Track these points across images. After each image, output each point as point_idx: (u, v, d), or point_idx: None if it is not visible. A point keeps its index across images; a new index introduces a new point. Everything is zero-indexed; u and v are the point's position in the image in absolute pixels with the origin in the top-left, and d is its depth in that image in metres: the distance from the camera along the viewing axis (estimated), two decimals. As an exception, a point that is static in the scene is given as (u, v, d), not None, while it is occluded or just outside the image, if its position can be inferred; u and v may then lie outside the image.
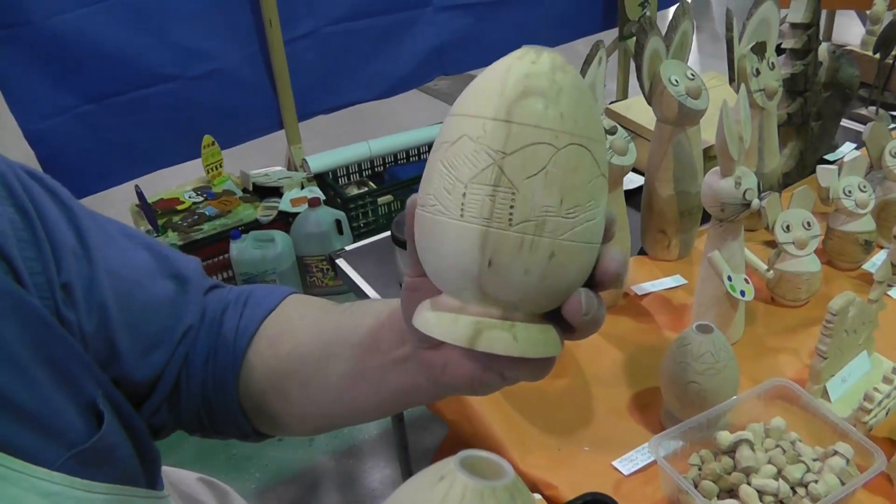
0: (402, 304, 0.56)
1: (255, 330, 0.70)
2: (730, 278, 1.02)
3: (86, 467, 0.57)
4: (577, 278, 0.46)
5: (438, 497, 0.34)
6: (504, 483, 0.34)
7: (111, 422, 0.60)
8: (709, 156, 1.34)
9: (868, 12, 1.88)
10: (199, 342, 0.69)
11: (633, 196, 1.40)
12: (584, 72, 1.09)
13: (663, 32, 1.16)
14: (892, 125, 1.66)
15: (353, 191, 2.78)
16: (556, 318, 0.48)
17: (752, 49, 1.23)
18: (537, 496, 0.89)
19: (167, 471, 0.88)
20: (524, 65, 0.44)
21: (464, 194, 0.43)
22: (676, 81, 1.14)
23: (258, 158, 2.94)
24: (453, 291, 0.47)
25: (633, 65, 1.17)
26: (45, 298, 0.57)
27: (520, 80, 0.43)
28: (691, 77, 1.15)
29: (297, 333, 0.68)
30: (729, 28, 1.22)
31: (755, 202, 0.99)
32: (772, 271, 1.13)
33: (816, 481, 0.82)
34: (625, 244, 1.17)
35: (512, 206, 0.43)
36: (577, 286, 0.46)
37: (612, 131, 1.08)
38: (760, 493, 0.82)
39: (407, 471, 1.67)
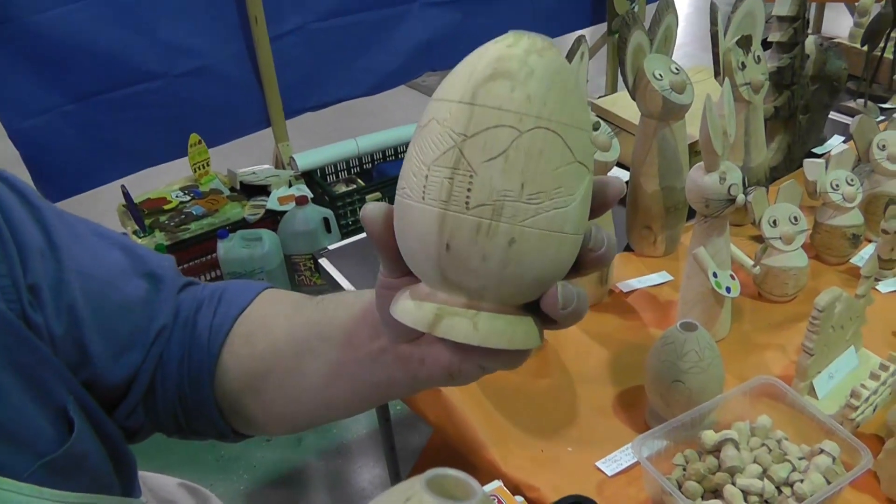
0: (376, 300, 0.55)
1: (230, 328, 0.68)
2: (715, 275, 1.01)
3: (57, 476, 0.56)
4: (546, 269, 0.44)
5: None
6: (472, 503, 0.33)
7: (82, 428, 0.59)
8: (694, 150, 1.32)
9: (856, 4, 1.87)
10: (173, 342, 0.68)
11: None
12: (566, 66, 1.07)
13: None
14: (881, 117, 1.66)
15: (341, 188, 2.76)
16: (537, 310, 0.47)
17: (737, 43, 1.22)
18: (519, 499, 0.88)
19: (146, 476, 0.86)
20: (499, 48, 0.43)
21: (426, 177, 0.43)
22: (660, 76, 1.12)
23: (245, 156, 2.92)
24: (422, 277, 0.47)
25: (618, 57, 1.16)
26: (10, 301, 0.56)
27: (490, 62, 0.43)
28: (675, 71, 1.14)
29: (271, 331, 0.67)
30: (713, 22, 1.20)
31: (740, 197, 0.98)
32: (758, 267, 1.12)
33: (802, 480, 0.80)
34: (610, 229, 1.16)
35: (469, 189, 0.42)
36: (551, 277, 0.45)
37: (595, 127, 1.07)
38: (745, 493, 0.81)
39: (394, 471, 1.66)
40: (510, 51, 0.43)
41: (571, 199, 0.43)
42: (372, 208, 0.47)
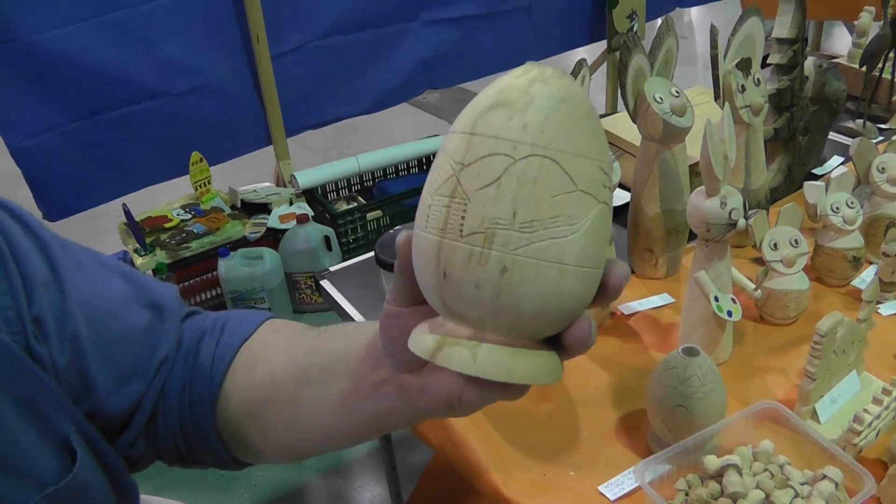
0: (380, 329, 0.55)
1: (232, 358, 0.68)
2: (717, 299, 1.01)
3: None
4: (547, 300, 0.43)
5: None
6: None
7: (85, 459, 0.59)
8: (695, 172, 1.33)
9: (855, 24, 1.87)
10: (175, 372, 0.68)
11: (619, 213, 1.39)
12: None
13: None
14: (880, 138, 1.67)
15: (342, 206, 2.76)
16: (554, 342, 0.47)
17: (737, 65, 1.22)
18: (522, 524, 0.87)
19: (149, 501, 0.86)
20: (507, 79, 0.44)
21: (429, 206, 0.44)
22: (661, 99, 1.13)
23: (246, 174, 2.93)
24: (431, 305, 0.48)
25: (619, 79, 1.16)
26: (14, 333, 0.56)
27: (494, 93, 0.44)
28: (676, 94, 1.15)
29: (272, 360, 0.67)
30: (713, 45, 1.21)
31: (741, 222, 0.98)
32: (760, 290, 1.12)
33: (805, 507, 0.80)
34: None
35: (463, 217, 0.42)
36: (558, 309, 0.44)
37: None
38: (748, 519, 0.80)
39: (395, 490, 1.66)
40: (515, 81, 0.43)
41: (573, 230, 0.43)
42: (401, 235, 0.48)
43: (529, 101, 0.43)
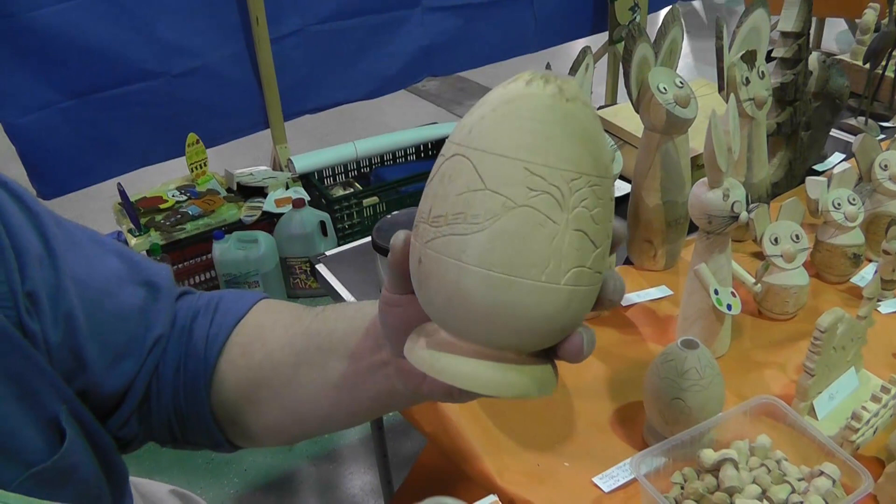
0: (379, 315, 0.55)
1: (226, 338, 0.68)
2: (716, 292, 1.01)
3: (45, 488, 0.55)
4: (453, 296, 0.43)
5: None
6: None
7: (74, 439, 0.58)
8: (697, 164, 1.32)
9: (857, 21, 1.86)
10: (169, 351, 0.67)
11: (619, 204, 1.37)
12: (571, 78, 1.06)
13: (654, 35, 1.14)
14: (882, 136, 1.66)
15: (339, 192, 2.75)
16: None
17: (741, 58, 1.21)
18: (515, 514, 0.87)
19: (138, 482, 0.86)
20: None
21: None
22: (665, 89, 1.12)
23: (243, 157, 2.92)
24: None
25: (622, 69, 1.15)
26: (6, 308, 0.55)
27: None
28: (680, 85, 1.13)
29: (269, 341, 0.67)
30: (719, 36, 1.20)
31: (743, 215, 0.97)
32: (759, 284, 1.11)
33: (802, 503, 0.80)
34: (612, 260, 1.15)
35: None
36: (470, 311, 0.43)
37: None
38: (744, 514, 0.80)
39: (386, 478, 1.65)
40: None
41: (474, 228, 0.41)
42: (398, 236, 0.49)
43: (482, 103, 0.43)
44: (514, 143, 0.41)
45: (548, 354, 0.48)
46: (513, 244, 0.41)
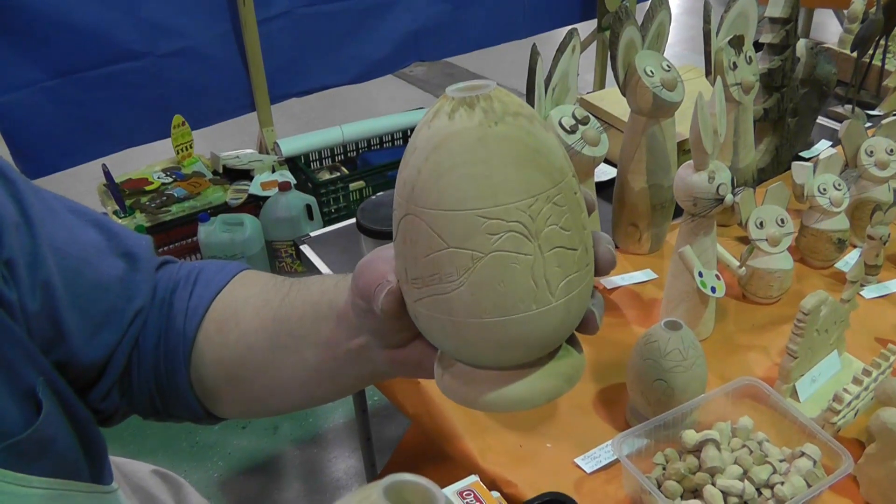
0: (356, 314, 0.55)
1: (204, 312, 0.67)
2: (700, 274, 1.00)
3: (21, 460, 0.54)
4: (454, 347, 0.45)
5: None
6: None
7: (51, 411, 0.57)
8: (683, 149, 1.32)
9: (846, 11, 1.86)
10: (149, 323, 0.66)
11: (604, 188, 1.38)
12: (556, 60, 1.06)
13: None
14: (868, 124, 1.66)
15: (325, 176, 2.74)
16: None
17: (729, 42, 1.21)
18: (496, 494, 0.86)
19: (119, 462, 0.85)
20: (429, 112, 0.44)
21: None
22: (651, 72, 1.11)
23: (229, 140, 2.90)
24: None
25: (609, 52, 1.15)
26: None
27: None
28: (667, 68, 1.13)
29: (242, 322, 0.66)
30: (706, 20, 1.20)
31: (728, 197, 0.97)
32: (744, 268, 1.11)
33: (783, 483, 0.80)
34: (594, 228, 1.15)
35: None
36: (472, 352, 0.45)
37: (584, 121, 1.06)
38: (725, 494, 0.80)
39: (370, 461, 1.65)
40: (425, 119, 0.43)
41: (452, 286, 0.41)
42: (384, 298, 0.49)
43: (412, 150, 0.42)
44: (458, 195, 0.40)
45: (568, 339, 0.48)
46: (494, 290, 0.41)
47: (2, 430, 0.54)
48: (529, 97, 1.02)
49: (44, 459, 0.57)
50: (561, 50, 1.06)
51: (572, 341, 0.49)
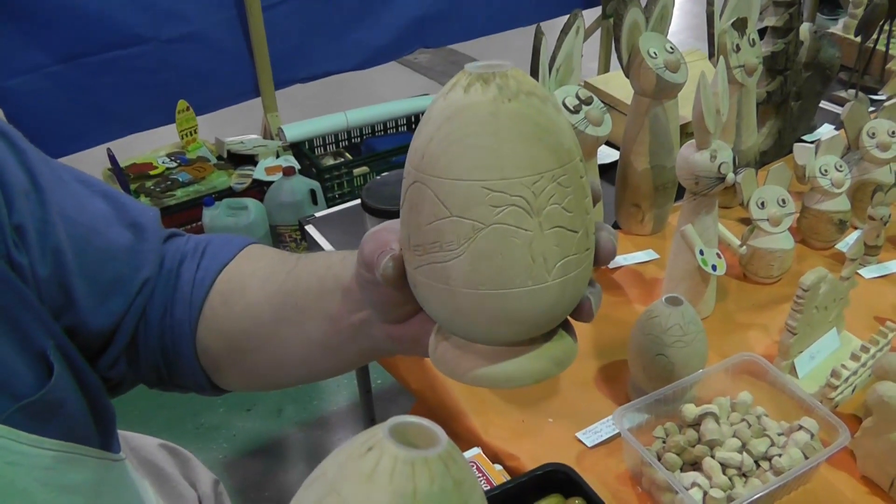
0: (357, 279, 0.55)
1: (211, 284, 0.68)
2: (702, 252, 1.01)
3: (33, 421, 0.55)
4: (450, 316, 0.45)
5: (367, 470, 0.31)
6: (437, 452, 0.32)
7: (62, 374, 0.58)
8: (685, 132, 1.33)
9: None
10: (156, 294, 0.67)
11: (608, 170, 1.39)
12: (560, 41, 1.07)
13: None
14: (871, 108, 1.66)
15: (329, 161, 2.74)
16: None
17: (732, 25, 1.21)
18: (498, 467, 0.88)
19: (127, 436, 0.86)
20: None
21: None
22: (655, 54, 1.12)
23: (233, 125, 2.90)
24: None
25: (613, 33, 1.16)
26: None
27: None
28: (670, 50, 1.14)
29: (247, 294, 0.66)
30: (710, 2, 1.20)
31: (730, 176, 0.98)
32: (745, 247, 1.12)
33: (780, 455, 0.81)
34: (598, 218, 1.16)
35: None
36: (471, 324, 0.45)
37: (587, 101, 1.07)
38: (724, 465, 0.81)
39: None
40: (441, 92, 0.43)
41: (452, 255, 0.42)
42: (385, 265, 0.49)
43: (426, 120, 0.43)
44: (466, 165, 0.41)
45: (562, 324, 0.49)
46: (492, 262, 0.41)
47: (15, 391, 0.55)
48: (533, 77, 1.02)
49: (55, 422, 0.58)
50: (565, 31, 1.07)
51: (567, 327, 0.49)
